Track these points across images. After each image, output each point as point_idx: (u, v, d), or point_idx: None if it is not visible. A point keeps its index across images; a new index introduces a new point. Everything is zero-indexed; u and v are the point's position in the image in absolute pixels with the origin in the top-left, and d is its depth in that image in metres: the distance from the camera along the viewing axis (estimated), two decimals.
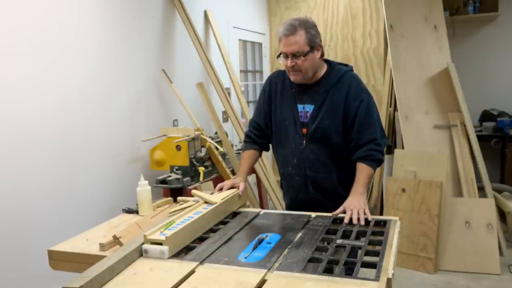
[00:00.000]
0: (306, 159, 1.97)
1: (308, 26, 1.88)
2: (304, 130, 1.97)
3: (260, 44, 4.92)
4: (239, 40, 4.43)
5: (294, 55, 1.87)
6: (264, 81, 4.81)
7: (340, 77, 1.97)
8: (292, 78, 1.95)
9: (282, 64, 1.97)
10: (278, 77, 2.10)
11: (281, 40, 1.89)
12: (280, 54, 1.94)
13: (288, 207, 2.13)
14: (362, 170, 1.90)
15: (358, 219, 1.69)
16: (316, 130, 1.94)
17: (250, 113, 3.95)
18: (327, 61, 2.03)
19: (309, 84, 1.98)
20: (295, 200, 2.07)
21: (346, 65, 2.07)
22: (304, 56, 1.87)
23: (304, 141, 1.97)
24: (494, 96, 4.81)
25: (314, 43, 1.89)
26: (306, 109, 1.98)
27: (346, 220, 1.70)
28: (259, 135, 2.14)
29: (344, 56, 4.63)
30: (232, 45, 4.18)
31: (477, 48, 4.87)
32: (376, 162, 1.93)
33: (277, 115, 2.04)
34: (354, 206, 1.74)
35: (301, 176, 2.00)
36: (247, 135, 2.18)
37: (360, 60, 4.64)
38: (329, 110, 1.93)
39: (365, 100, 1.94)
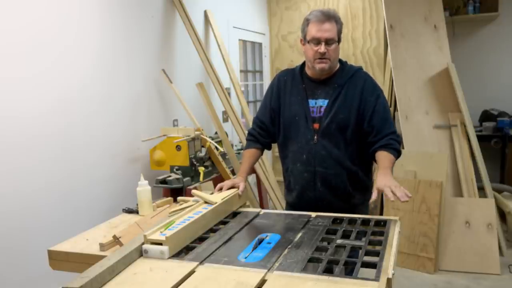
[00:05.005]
0: (317, 154, 1.95)
1: (338, 18, 1.94)
2: (316, 125, 1.96)
3: (260, 44, 4.91)
4: (239, 40, 4.43)
5: (327, 42, 1.89)
6: (264, 81, 4.88)
7: (353, 73, 2.00)
8: (319, 66, 1.93)
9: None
10: (287, 75, 2.10)
11: (312, 26, 1.91)
12: (305, 41, 1.95)
13: (291, 206, 2.10)
14: (386, 156, 1.86)
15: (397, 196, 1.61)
16: (330, 124, 1.93)
17: (250, 113, 3.95)
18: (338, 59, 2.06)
19: (322, 79, 2.00)
20: (301, 198, 2.03)
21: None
22: (335, 44, 1.91)
23: (315, 137, 1.95)
24: (494, 96, 4.81)
25: (340, 36, 1.95)
26: (318, 104, 1.98)
27: (390, 197, 1.61)
28: (263, 134, 2.13)
29: (344, 56, 4.63)
30: (232, 45, 4.18)
31: (477, 48, 4.87)
32: (397, 152, 1.91)
33: (286, 112, 2.03)
34: (391, 184, 1.67)
35: (310, 173, 1.98)
36: (250, 133, 2.16)
37: (360, 60, 4.64)
38: (343, 105, 1.94)
39: (381, 96, 1.97)
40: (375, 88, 1.98)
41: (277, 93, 2.08)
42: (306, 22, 1.95)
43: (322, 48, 1.89)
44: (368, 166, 2.07)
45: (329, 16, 1.90)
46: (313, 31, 1.90)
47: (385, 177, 1.74)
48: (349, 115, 1.93)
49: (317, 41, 1.90)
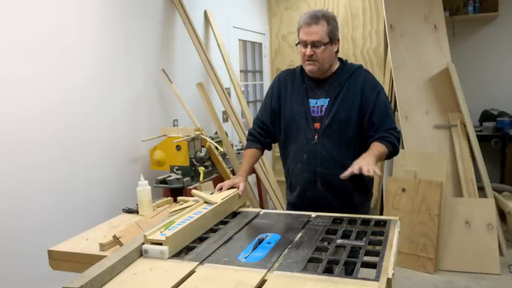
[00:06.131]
0: (317, 154, 1.95)
1: (330, 19, 1.93)
2: (317, 125, 1.96)
3: (260, 44, 4.91)
4: (239, 40, 4.43)
5: (314, 45, 1.90)
6: (264, 81, 4.87)
7: (353, 71, 2.00)
8: (307, 68, 1.95)
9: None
10: (287, 75, 2.11)
11: (301, 29, 1.93)
12: (298, 42, 1.96)
13: (292, 205, 2.10)
14: (376, 145, 1.87)
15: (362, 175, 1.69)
16: (331, 123, 1.93)
17: (250, 113, 3.95)
18: (339, 58, 2.05)
19: (322, 79, 2.00)
20: (302, 198, 2.03)
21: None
22: (323, 47, 1.90)
23: (316, 136, 1.96)
24: (494, 96, 4.81)
25: (333, 36, 1.93)
26: (319, 103, 1.98)
27: (347, 173, 1.71)
28: (263, 134, 2.13)
29: (344, 56, 4.59)
30: (232, 45, 4.18)
31: (477, 48, 4.87)
32: (391, 145, 1.90)
33: (287, 112, 2.04)
34: (363, 163, 1.71)
35: (310, 173, 1.97)
36: (250, 133, 2.16)
37: (360, 60, 4.64)
38: (344, 103, 1.94)
39: (381, 93, 1.97)
40: (375, 85, 1.99)
41: (277, 93, 2.09)
42: (298, 25, 1.97)
43: (308, 50, 1.90)
44: None
45: (317, 18, 1.90)
46: (302, 34, 1.93)
47: (363, 159, 1.76)
48: (350, 113, 1.93)
49: (304, 44, 1.92)
